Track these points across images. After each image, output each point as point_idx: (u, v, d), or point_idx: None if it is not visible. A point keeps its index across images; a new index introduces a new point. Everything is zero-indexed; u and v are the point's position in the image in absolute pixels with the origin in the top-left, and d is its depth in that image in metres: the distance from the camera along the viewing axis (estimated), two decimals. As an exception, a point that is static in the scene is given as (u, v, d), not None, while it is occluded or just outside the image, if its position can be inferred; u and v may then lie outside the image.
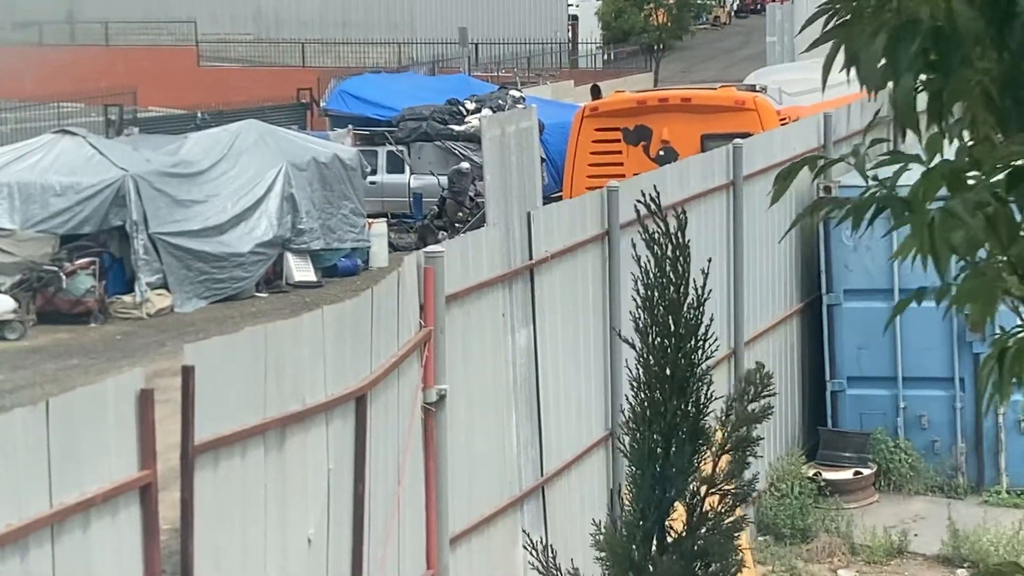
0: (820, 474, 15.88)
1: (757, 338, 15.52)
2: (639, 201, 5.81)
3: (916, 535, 14.96)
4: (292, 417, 7.37)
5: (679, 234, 5.49)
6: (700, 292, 5.53)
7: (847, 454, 16.24)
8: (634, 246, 5.80)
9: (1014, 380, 3.34)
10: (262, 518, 7.20)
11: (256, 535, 7.16)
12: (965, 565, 14.39)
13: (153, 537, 6.30)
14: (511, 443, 10.73)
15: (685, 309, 5.49)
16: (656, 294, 5.49)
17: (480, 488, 10.26)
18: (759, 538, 15.10)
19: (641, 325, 5.51)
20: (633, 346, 5.57)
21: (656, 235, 5.45)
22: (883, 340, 16.21)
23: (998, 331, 3.46)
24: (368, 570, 8.17)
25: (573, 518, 11.60)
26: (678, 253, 5.50)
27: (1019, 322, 3.39)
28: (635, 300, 5.54)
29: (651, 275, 5.51)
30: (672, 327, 5.47)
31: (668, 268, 5.48)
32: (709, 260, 6.22)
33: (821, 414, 16.75)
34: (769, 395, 5.69)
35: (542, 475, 11.15)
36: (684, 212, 5.65)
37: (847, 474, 15.99)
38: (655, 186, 6.60)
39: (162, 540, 6.40)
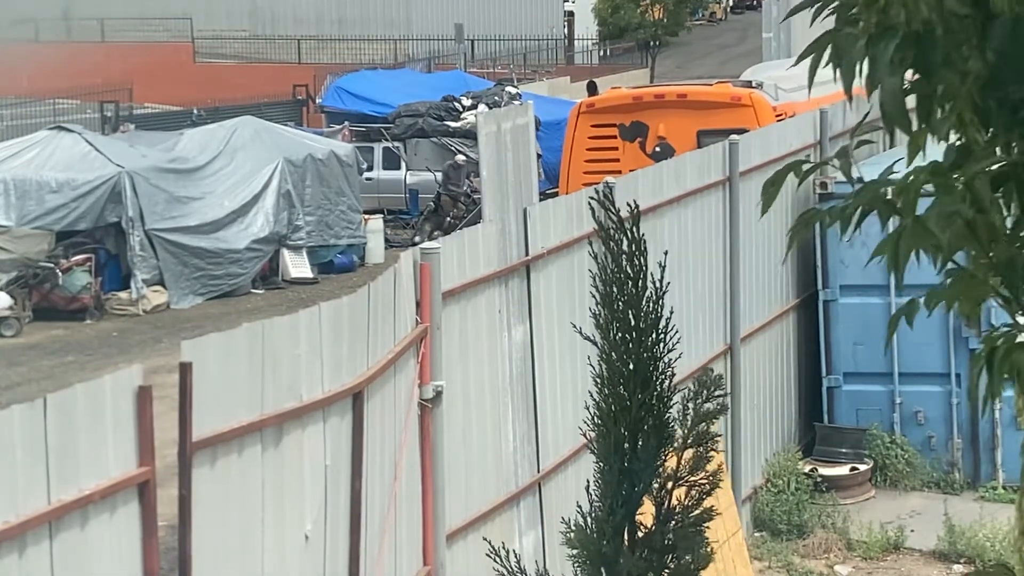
0: (816, 470, 15.90)
1: (753, 334, 15.54)
2: (592, 198, 5.81)
3: (912, 531, 14.98)
4: (289, 414, 7.38)
5: (634, 228, 5.49)
6: (658, 286, 5.53)
7: (843, 450, 16.26)
8: (590, 244, 5.83)
9: (1005, 376, 3.36)
10: (259, 514, 7.20)
11: (253, 531, 7.17)
12: (961, 561, 14.41)
13: (151, 534, 6.30)
14: (507, 439, 10.74)
15: (644, 303, 5.49)
16: (615, 289, 5.50)
17: (477, 484, 10.28)
18: (755, 534, 15.12)
19: (602, 321, 5.52)
20: (595, 343, 5.59)
21: (611, 230, 5.46)
22: (879, 336, 16.22)
23: (991, 326, 3.48)
24: (365, 566, 8.18)
25: (570, 514, 11.59)
26: (634, 247, 5.49)
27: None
28: (594, 296, 5.56)
29: (608, 271, 5.52)
30: (632, 322, 5.48)
31: (625, 263, 5.48)
32: (666, 252, 6.20)
33: (817, 410, 16.77)
34: (721, 395, 5.73)
35: (538, 471, 11.16)
36: (638, 207, 5.64)
37: (843, 470, 16.01)
38: (608, 182, 6.59)
39: (160, 537, 6.41)
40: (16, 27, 58.68)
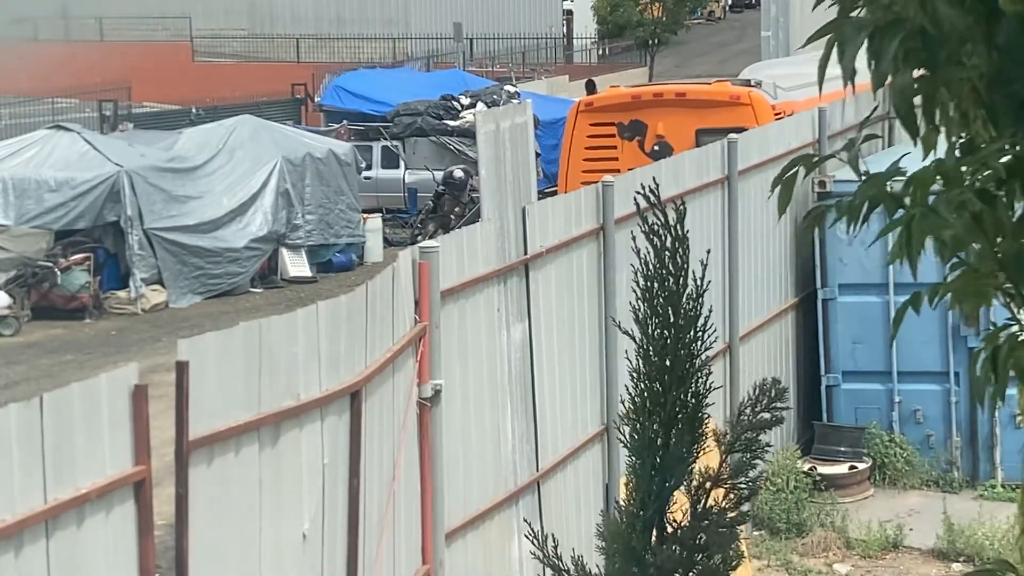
0: (815, 468, 15.89)
1: (752, 333, 15.53)
2: (639, 193, 5.81)
3: (911, 529, 14.97)
4: (286, 412, 7.36)
5: (678, 225, 5.50)
6: (699, 283, 5.54)
7: (842, 448, 16.24)
8: (633, 238, 5.82)
9: (1012, 375, 3.35)
10: (257, 513, 7.19)
11: (251, 530, 7.16)
12: (960, 559, 14.40)
13: (148, 533, 6.29)
14: (506, 438, 10.73)
15: (684, 300, 5.50)
16: (655, 285, 5.50)
17: (475, 483, 10.26)
18: (754, 533, 15.11)
19: (641, 316, 5.52)
20: (633, 337, 5.58)
21: (655, 226, 5.46)
22: (878, 334, 16.22)
23: (991, 326, 3.47)
24: (363, 565, 8.17)
25: (568, 513, 11.61)
26: (677, 244, 5.50)
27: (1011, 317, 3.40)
28: (635, 291, 5.55)
29: (650, 266, 5.52)
30: (672, 318, 5.48)
31: (667, 259, 5.49)
32: (708, 251, 6.23)
33: (816, 408, 16.76)
34: (783, 407, 5.72)
35: (537, 470, 11.15)
36: (684, 204, 5.65)
37: (842, 468, 16.00)
38: (654, 178, 6.59)
39: (157, 535, 6.39)
40: (15, 26, 58.69)
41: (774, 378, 6.11)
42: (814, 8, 3.42)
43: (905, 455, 16.20)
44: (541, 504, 11.24)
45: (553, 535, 5.91)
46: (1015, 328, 3.35)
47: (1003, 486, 15.94)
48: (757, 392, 5.74)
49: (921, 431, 16.33)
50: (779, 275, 16.50)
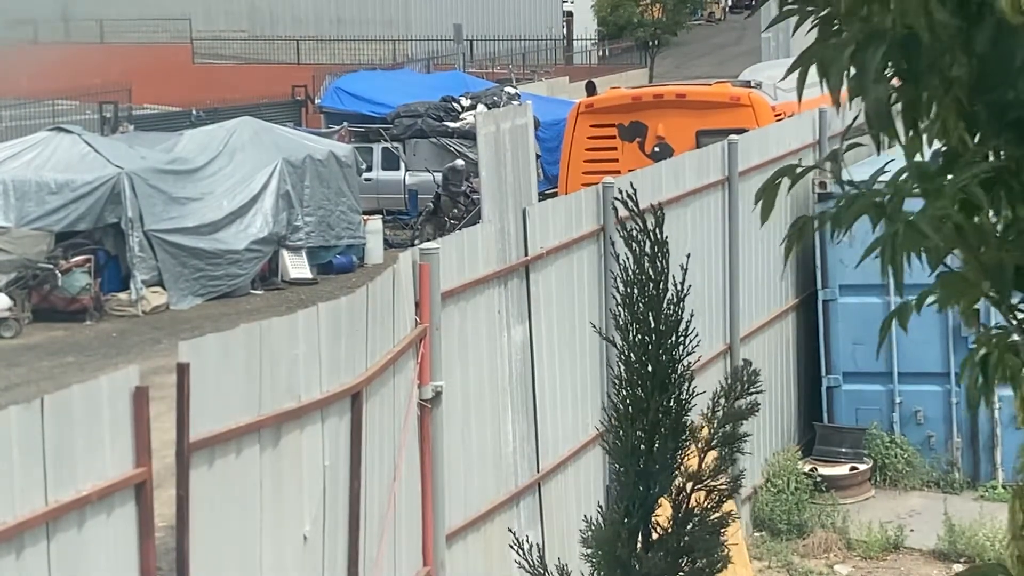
0: (816, 470, 15.89)
1: (753, 334, 15.53)
2: (616, 198, 5.79)
3: (912, 530, 14.97)
4: (287, 414, 7.37)
5: (657, 230, 5.49)
6: (680, 288, 5.52)
7: (843, 449, 16.25)
8: (612, 244, 5.81)
9: (1005, 380, 3.35)
10: (258, 515, 7.19)
11: (252, 532, 7.16)
12: (961, 560, 14.40)
13: (149, 534, 6.30)
14: (507, 440, 10.73)
15: (665, 305, 5.48)
16: (636, 291, 5.49)
17: (476, 485, 10.27)
18: (755, 534, 15.11)
19: (622, 322, 5.51)
20: (614, 344, 5.57)
21: (634, 232, 5.45)
22: (878, 335, 16.20)
23: (981, 328, 3.47)
24: (364, 566, 8.17)
25: (570, 514, 11.61)
26: (656, 249, 5.49)
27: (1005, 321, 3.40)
28: (615, 298, 5.54)
29: (630, 272, 5.51)
30: (652, 324, 5.47)
31: (647, 264, 5.47)
32: (688, 256, 6.21)
33: (817, 409, 16.76)
34: (756, 392, 5.68)
35: (538, 471, 11.16)
36: (662, 209, 5.63)
37: (843, 469, 16.01)
38: (632, 183, 6.58)
39: (158, 537, 6.40)
40: (15, 28, 58.66)
41: (745, 360, 6.07)
42: (793, 32, 3.43)
43: (906, 456, 16.21)
44: (542, 505, 11.24)
45: (540, 545, 5.90)
46: (1005, 331, 3.35)
47: (1004, 487, 15.93)
48: (730, 380, 5.72)
49: (922, 432, 16.33)
50: (780, 276, 16.49)
